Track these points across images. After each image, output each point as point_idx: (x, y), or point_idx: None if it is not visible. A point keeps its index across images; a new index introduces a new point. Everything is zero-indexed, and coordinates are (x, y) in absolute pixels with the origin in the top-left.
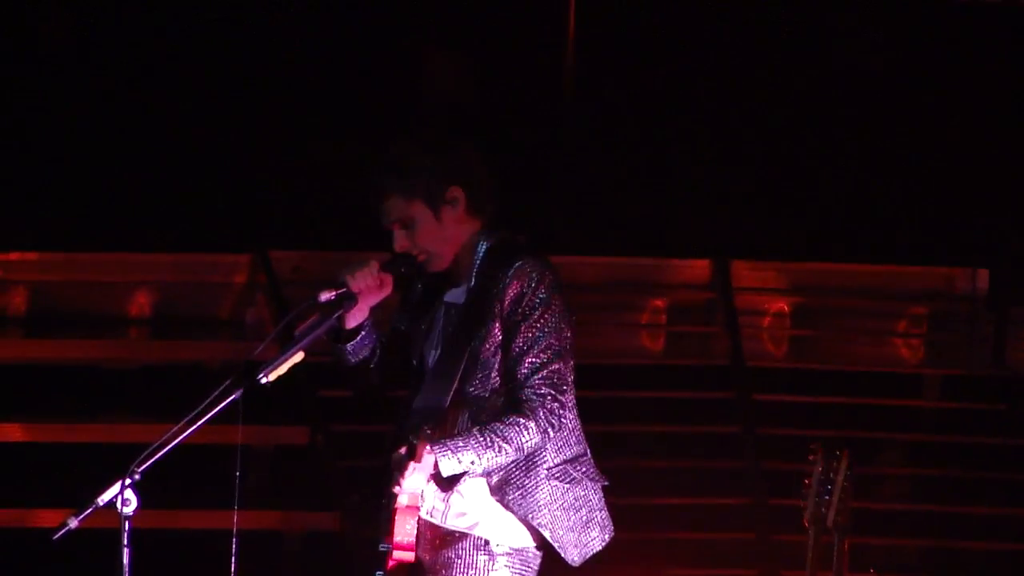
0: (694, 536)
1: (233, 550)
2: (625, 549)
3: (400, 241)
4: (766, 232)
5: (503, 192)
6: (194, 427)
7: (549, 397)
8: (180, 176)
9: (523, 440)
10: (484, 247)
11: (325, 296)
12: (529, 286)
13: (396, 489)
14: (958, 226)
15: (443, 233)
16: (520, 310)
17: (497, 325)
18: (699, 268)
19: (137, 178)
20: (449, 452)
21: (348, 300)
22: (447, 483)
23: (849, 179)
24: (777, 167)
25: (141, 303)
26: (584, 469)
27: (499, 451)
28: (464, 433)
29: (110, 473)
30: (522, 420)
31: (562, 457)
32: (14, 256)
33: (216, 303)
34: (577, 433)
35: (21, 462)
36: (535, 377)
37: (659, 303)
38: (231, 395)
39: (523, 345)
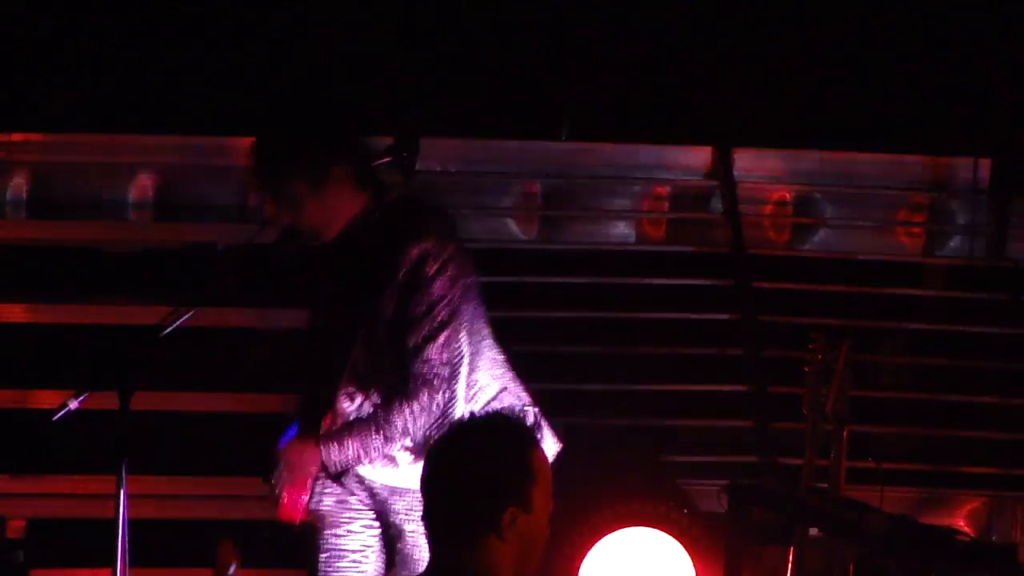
0: (692, 423)
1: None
2: (623, 436)
3: (284, 218)
4: (769, 120)
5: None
6: (193, 310)
7: (436, 371)
8: (184, 58)
9: (408, 423)
10: (379, 212)
11: None
12: (427, 253)
13: (281, 494)
14: (960, 115)
15: (328, 207)
16: (416, 279)
17: (392, 293)
18: (701, 155)
19: (142, 59)
20: (335, 446)
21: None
22: (336, 476)
23: (853, 67)
24: (781, 53)
25: (144, 185)
26: (506, 403)
27: (386, 439)
28: (349, 424)
29: (110, 354)
30: (405, 402)
31: (476, 405)
32: (17, 137)
33: (219, 186)
34: (491, 371)
35: (22, 343)
36: (424, 350)
37: (661, 190)
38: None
39: (414, 315)
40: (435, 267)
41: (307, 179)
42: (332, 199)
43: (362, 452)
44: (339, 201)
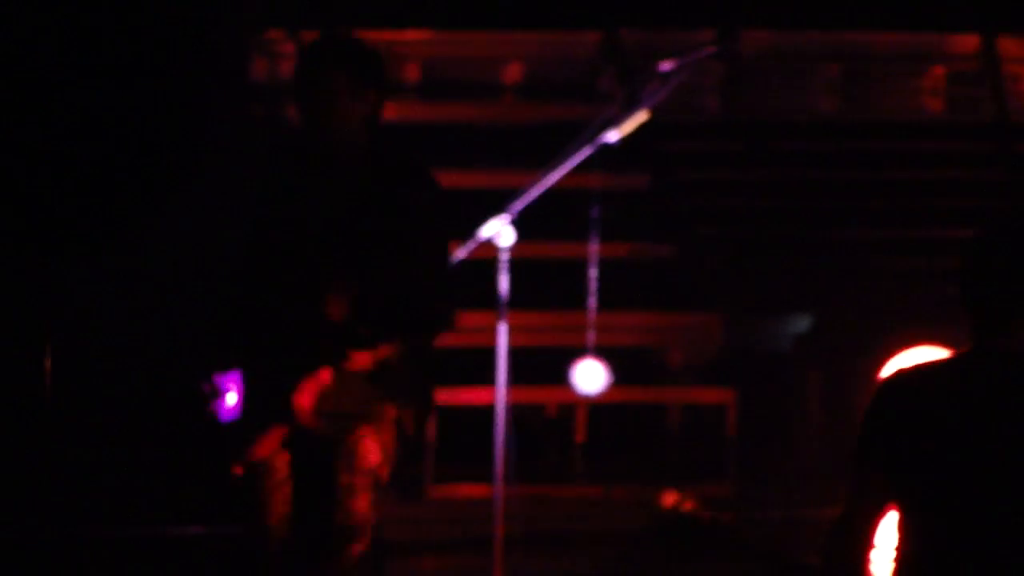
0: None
1: (590, 275)
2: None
3: None
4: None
5: None
6: (557, 174)
7: None
8: None
9: None
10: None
11: (665, 67)
12: None
13: None
14: None
15: None
16: None
17: None
18: (971, 41)
19: None
20: None
21: (685, 71)
22: None
23: None
24: None
25: (513, 72)
26: None
27: None
28: None
29: (490, 212)
30: None
31: None
32: (410, 34)
33: (573, 71)
34: None
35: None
36: None
37: (939, 71)
38: (587, 149)
39: None
40: None
41: None
42: None
43: None
44: None
